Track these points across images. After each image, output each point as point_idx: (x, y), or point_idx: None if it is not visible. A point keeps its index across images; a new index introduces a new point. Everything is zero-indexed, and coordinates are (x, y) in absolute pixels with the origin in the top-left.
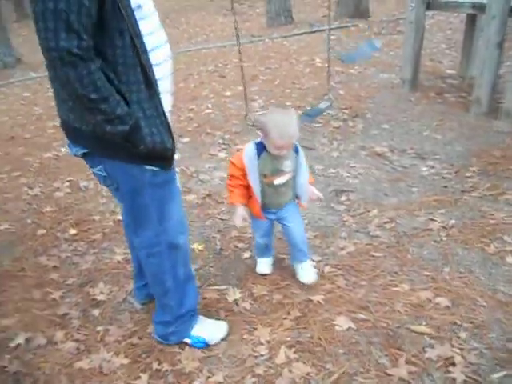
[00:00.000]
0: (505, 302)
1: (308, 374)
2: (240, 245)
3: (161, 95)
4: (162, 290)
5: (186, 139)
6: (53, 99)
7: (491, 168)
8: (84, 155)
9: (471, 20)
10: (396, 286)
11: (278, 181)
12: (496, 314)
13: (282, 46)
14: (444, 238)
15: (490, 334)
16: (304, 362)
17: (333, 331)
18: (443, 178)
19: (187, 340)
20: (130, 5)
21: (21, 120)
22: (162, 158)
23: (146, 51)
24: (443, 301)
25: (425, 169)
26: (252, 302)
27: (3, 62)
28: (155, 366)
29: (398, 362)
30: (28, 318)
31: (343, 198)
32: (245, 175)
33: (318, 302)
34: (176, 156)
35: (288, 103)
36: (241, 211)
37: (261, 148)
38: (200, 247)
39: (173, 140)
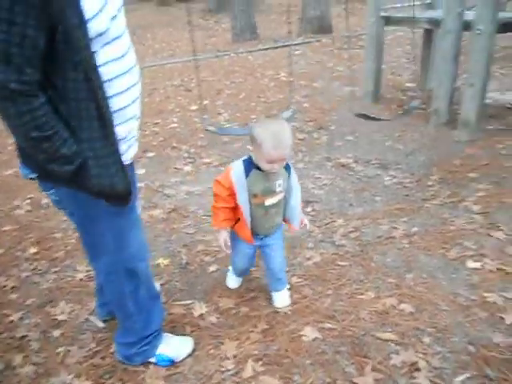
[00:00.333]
0: (466, 306)
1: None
2: (206, 258)
3: (128, 121)
4: (124, 314)
5: (151, 154)
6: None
7: (451, 176)
8: (36, 177)
9: (428, 35)
10: (361, 294)
11: (269, 201)
12: (458, 317)
13: (247, 61)
14: (407, 246)
15: (452, 338)
16: (271, 375)
17: (300, 342)
18: (405, 187)
19: (152, 359)
20: (86, 35)
21: None
22: (114, 199)
23: (101, 86)
24: (407, 307)
25: (388, 178)
26: (218, 315)
27: None
28: None
29: (364, 370)
30: None
31: (309, 209)
32: (232, 196)
33: (285, 313)
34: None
35: (253, 116)
36: (225, 235)
37: (249, 166)
38: (165, 262)
39: (127, 181)
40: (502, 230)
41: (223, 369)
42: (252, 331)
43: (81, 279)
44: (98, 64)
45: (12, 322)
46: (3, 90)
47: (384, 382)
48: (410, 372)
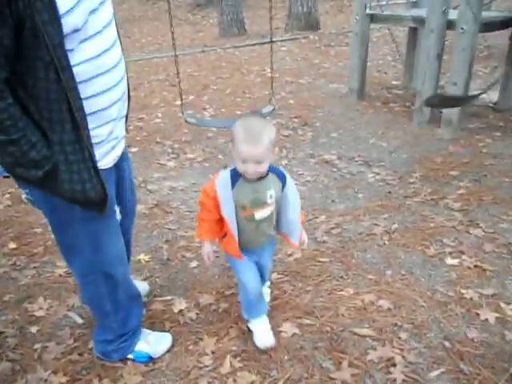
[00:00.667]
0: (443, 302)
1: (253, 382)
2: (187, 254)
3: (108, 123)
4: (101, 313)
5: (134, 149)
6: None
7: (433, 174)
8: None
9: (413, 33)
10: (341, 290)
11: (259, 214)
12: (434, 313)
13: (234, 57)
14: (387, 242)
15: (428, 334)
16: (249, 371)
17: (278, 338)
18: (388, 184)
19: (130, 356)
20: (59, 32)
21: None
22: (88, 205)
23: (75, 87)
24: (385, 303)
25: (371, 175)
26: (198, 311)
27: None
28: (95, 382)
29: (342, 366)
30: None
31: None
32: (216, 207)
33: None
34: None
35: (238, 112)
36: (208, 248)
37: (236, 175)
38: (146, 258)
39: (102, 186)
40: (480, 227)
41: (201, 365)
42: (231, 327)
43: (60, 275)
44: (74, 63)
45: None
46: None
47: (360, 377)
48: (386, 367)
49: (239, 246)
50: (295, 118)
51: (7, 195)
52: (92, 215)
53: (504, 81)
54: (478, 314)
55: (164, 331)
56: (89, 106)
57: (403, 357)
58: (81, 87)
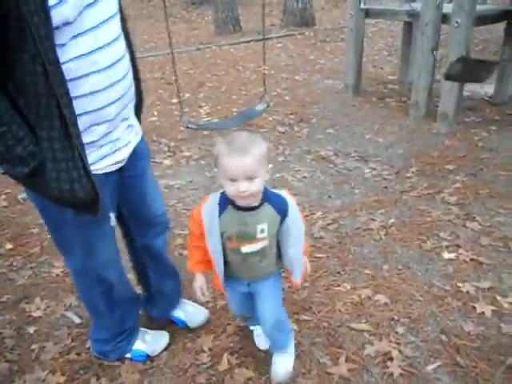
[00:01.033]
0: (439, 296)
1: (250, 378)
2: (185, 252)
3: (103, 124)
4: (95, 313)
5: None
6: None
7: (429, 168)
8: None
9: (408, 28)
10: (338, 285)
11: (246, 249)
12: (431, 307)
13: (230, 54)
14: (383, 237)
15: (425, 328)
16: (247, 368)
17: None
18: (384, 179)
19: (128, 355)
20: (47, 24)
21: None
22: (78, 207)
23: (63, 82)
24: (382, 298)
25: (367, 171)
26: None
27: None
28: (93, 381)
29: (339, 361)
30: None
31: None
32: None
33: None
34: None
35: (234, 109)
36: (200, 281)
37: (226, 201)
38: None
39: (93, 187)
40: (477, 220)
41: (199, 362)
42: (229, 324)
43: (57, 275)
44: (65, 58)
45: None
46: None
47: (358, 371)
48: (383, 362)
49: (227, 272)
50: (291, 114)
51: (3, 196)
52: (84, 220)
53: (499, 74)
54: (474, 308)
55: (162, 329)
56: (81, 105)
57: (400, 351)
58: (73, 84)
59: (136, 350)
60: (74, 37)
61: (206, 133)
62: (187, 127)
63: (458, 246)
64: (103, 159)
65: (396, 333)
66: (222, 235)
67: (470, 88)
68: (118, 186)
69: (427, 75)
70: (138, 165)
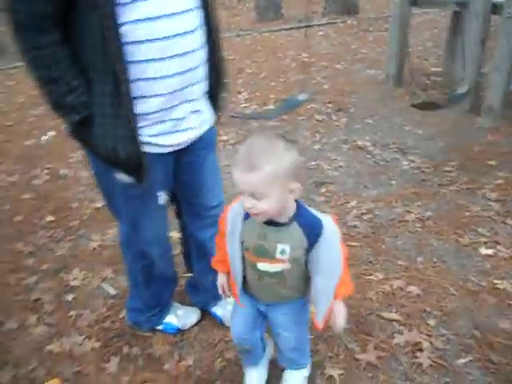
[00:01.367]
0: (474, 292)
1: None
2: None
3: (154, 96)
4: (133, 282)
5: None
6: (35, 88)
7: (470, 163)
8: None
9: (456, 18)
10: (370, 274)
11: (263, 266)
12: (465, 302)
13: (270, 41)
14: (419, 229)
15: (457, 322)
16: (274, 347)
17: None
18: (423, 171)
19: (159, 327)
20: None
21: (3, 108)
22: (121, 167)
23: (117, 38)
24: (415, 289)
25: (405, 163)
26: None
27: None
28: (126, 349)
29: (367, 348)
30: (1, 303)
31: (323, 190)
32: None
33: None
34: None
35: (272, 96)
36: (222, 279)
37: None
38: (178, 235)
39: (137, 152)
40: None
41: (227, 339)
42: None
43: (94, 248)
44: (124, 20)
45: (27, 285)
46: (14, 21)
47: (386, 359)
48: (412, 352)
49: (244, 285)
50: (329, 103)
51: (46, 171)
52: (132, 194)
53: None
54: (510, 305)
55: (193, 305)
56: (133, 70)
57: (431, 342)
58: (127, 48)
59: (168, 323)
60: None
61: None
62: (232, 116)
63: (497, 243)
64: (157, 136)
65: (427, 325)
66: (242, 243)
67: None
68: (173, 168)
69: (474, 68)
70: (201, 152)
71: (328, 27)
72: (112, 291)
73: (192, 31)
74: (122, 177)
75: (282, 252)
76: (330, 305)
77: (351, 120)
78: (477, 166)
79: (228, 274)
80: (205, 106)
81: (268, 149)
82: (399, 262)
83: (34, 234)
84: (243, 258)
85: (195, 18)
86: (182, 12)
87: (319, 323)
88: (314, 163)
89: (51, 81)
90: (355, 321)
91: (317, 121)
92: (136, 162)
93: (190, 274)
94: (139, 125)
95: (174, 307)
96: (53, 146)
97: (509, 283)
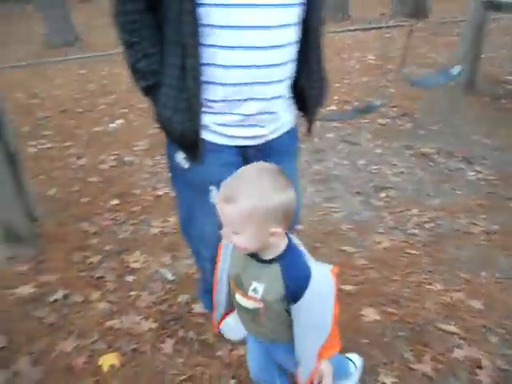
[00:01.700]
0: None
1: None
2: None
3: (220, 85)
4: (198, 266)
5: None
6: (105, 78)
7: None
8: None
9: None
10: (429, 284)
11: (238, 297)
12: None
13: (336, 41)
14: (484, 243)
15: None
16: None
17: (359, 321)
18: (490, 183)
19: None
20: None
21: (75, 95)
22: (176, 139)
23: (193, 17)
24: (476, 303)
25: (471, 173)
26: None
27: (63, 40)
28: (181, 333)
29: (423, 358)
30: (67, 277)
31: (383, 195)
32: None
33: (349, 291)
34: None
35: (336, 97)
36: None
37: None
38: None
39: (194, 129)
40: None
41: None
42: None
43: (155, 234)
44: (202, 1)
45: (92, 263)
46: None
47: (443, 372)
48: (471, 368)
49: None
50: (394, 107)
51: (112, 157)
52: (188, 180)
53: None
54: None
55: None
56: (206, 54)
57: (491, 361)
58: (203, 30)
59: None
60: None
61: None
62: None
63: None
64: (219, 126)
65: (488, 341)
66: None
67: None
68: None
69: None
70: (273, 158)
71: (395, 30)
72: (170, 277)
73: (272, 27)
74: (180, 159)
75: (254, 290)
76: (313, 366)
77: (416, 126)
78: None
79: None
80: (283, 109)
81: (253, 183)
82: (461, 275)
83: (99, 216)
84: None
85: (283, 14)
86: (266, 5)
87: (302, 382)
88: (375, 167)
89: (130, 44)
90: (411, 329)
91: (380, 124)
92: (190, 140)
93: None
94: (203, 109)
95: None
96: (120, 134)
97: None
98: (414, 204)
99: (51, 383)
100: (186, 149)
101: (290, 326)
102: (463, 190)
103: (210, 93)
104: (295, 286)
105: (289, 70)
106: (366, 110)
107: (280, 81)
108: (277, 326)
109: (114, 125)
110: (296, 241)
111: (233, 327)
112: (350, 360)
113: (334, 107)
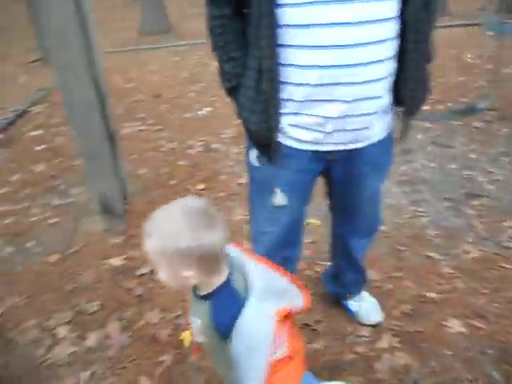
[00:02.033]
0: None
1: (408, 366)
2: None
3: (299, 85)
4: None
5: None
6: (197, 66)
7: None
8: None
9: None
10: None
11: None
12: None
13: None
14: None
15: None
16: (407, 353)
17: (442, 331)
18: None
19: None
20: None
21: (168, 81)
22: (253, 138)
23: (271, 18)
24: None
25: None
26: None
27: (158, 28)
28: None
29: None
30: None
31: (475, 203)
32: None
33: (432, 299)
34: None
35: (431, 97)
36: None
37: None
38: (317, 222)
39: (269, 129)
40: None
41: (358, 333)
42: (394, 307)
43: (236, 221)
44: (281, 1)
45: None
46: None
47: None
48: None
49: None
50: (491, 110)
51: (199, 143)
52: (254, 176)
53: None
54: None
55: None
56: (284, 54)
57: None
58: (281, 31)
59: None
60: None
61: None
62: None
63: None
64: (293, 127)
65: None
66: None
67: None
68: (311, 173)
69: None
70: (357, 170)
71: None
72: None
73: (356, 23)
74: (253, 157)
75: (195, 324)
76: None
77: None
78: None
79: None
80: (372, 115)
81: (170, 220)
82: None
83: None
84: None
85: (373, 8)
86: (354, 1)
87: None
88: (467, 173)
89: (217, 47)
90: (500, 348)
91: (474, 128)
92: (265, 141)
93: (327, 263)
94: (281, 111)
95: None
96: (208, 121)
97: None
98: (511, 215)
99: (137, 350)
100: (261, 149)
101: None
102: None
103: (288, 94)
104: (222, 326)
105: (379, 71)
106: (466, 112)
107: (367, 82)
108: (227, 363)
109: (203, 112)
110: (248, 266)
111: None
112: None
113: (427, 107)
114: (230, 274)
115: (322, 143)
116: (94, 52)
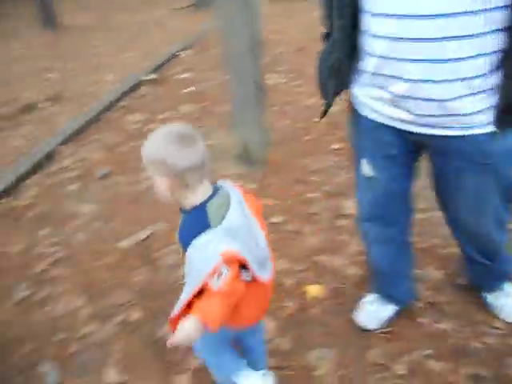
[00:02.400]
0: None
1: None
2: None
3: (370, 55)
4: None
5: None
6: None
7: None
8: None
9: None
10: None
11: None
12: None
13: None
14: None
15: None
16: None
17: None
18: None
19: None
20: None
21: (313, 35)
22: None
23: None
24: None
25: None
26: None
27: None
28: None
29: None
30: (285, 205)
31: None
32: None
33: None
34: None
35: None
36: None
37: None
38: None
39: (326, 84)
40: None
41: (490, 323)
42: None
43: None
44: None
45: (309, 198)
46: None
47: None
48: None
49: None
50: None
51: (338, 101)
52: (352, 141)
53: None
54: None
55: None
56: (364, 20)
57: None
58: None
59: None
60: None
61: None
62: None
63: None
64: (369, 99)
65: None
66: None
67: None
68: (392, 146)
69: None
70: (450, 162)
71: None
72: None
73: (435, 15)
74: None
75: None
76: (181, 305)
77: None
78: None
79: None
80: (461, 100)
81: (155, 134)
82: None
83: (322, 156)
84: None
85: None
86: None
87: (171, 319)
88: None
89: (324, 37)
90: None
91: None
92: (324, 93)
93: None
94: (357, 77)
95: None
96: None
97: None
98: None
99: None
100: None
101: None
102: None
103: (363, 63)
104: (182, 241)
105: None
106: None
107: (458, 61)
108: None
109: None
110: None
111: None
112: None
113: None
114: (210, 197)
115: (395, 119)
116: None
